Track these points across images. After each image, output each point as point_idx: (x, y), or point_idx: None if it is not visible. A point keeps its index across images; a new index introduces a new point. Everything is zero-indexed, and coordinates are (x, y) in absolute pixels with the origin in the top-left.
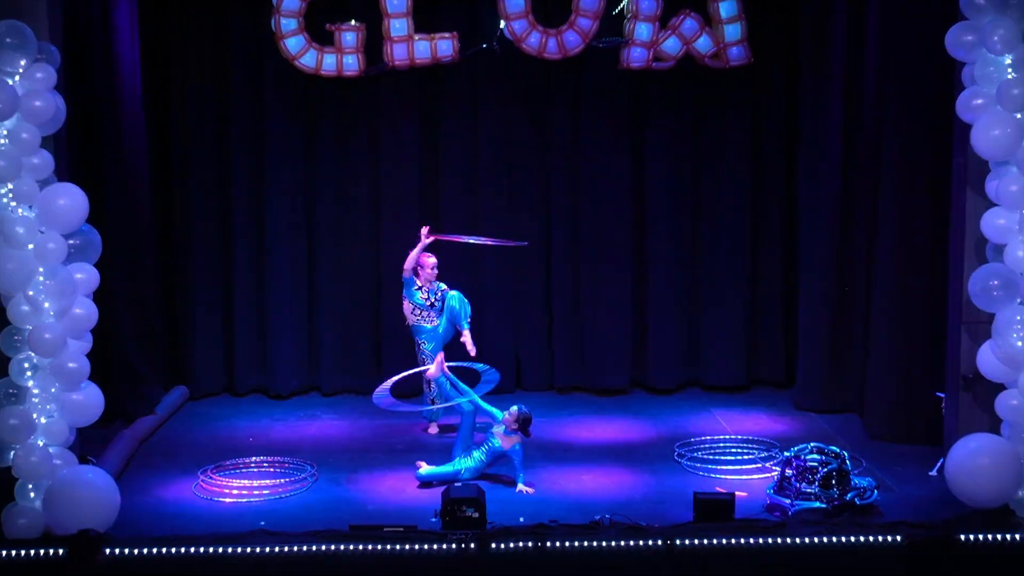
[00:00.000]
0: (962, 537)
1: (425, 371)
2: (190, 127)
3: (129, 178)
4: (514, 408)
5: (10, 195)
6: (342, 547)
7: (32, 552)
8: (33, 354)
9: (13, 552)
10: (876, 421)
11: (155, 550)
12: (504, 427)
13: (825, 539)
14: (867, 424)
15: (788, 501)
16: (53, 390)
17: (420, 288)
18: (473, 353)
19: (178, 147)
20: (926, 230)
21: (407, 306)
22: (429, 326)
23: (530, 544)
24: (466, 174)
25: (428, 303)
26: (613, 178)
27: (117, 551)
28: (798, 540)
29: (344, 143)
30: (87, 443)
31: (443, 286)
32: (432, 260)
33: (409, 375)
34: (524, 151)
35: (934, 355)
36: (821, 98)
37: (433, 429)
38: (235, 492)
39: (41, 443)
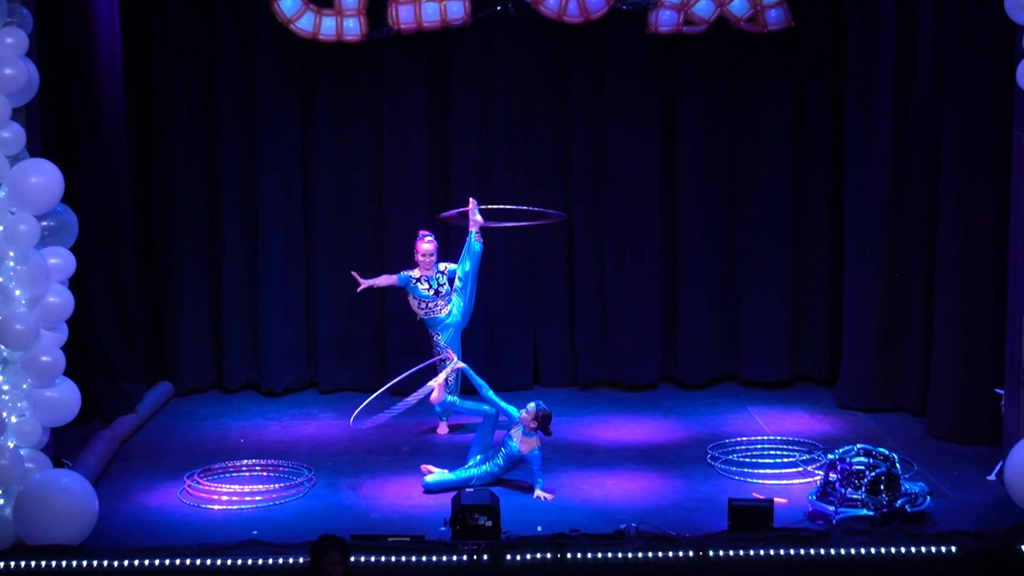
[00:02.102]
0: (1023, 548)
1: (437, 366)
2: (175, 97)
3: (108, 154)
4: (531, 405)
5: None
6: None
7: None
8: (3, 347)
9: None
10: (938, 420)
11: (137, 562)
12: (522, 428)
13: (873, 550)
14: (929, 424)
15: (832, 508)
16: (25, 386)
17: (419, 280)
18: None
19: (161, 119)
20: (991, 212)
21: (412, 302)
22: (442, 315)
23: (549, 556)
24: (479, 150)
25: (433, 292)
26: (641, 154)
27: (96, 563)
28: (843, 551)
29: (344, 115)
30: (62, 445)
31: (443, 267)
32: (428, 246)
33: (410, 374)
34: (543, 125)
35: (1001, 349)
36: (870, 66)
37: (443, 429)
38: (225, 498)
39: (11, 444)
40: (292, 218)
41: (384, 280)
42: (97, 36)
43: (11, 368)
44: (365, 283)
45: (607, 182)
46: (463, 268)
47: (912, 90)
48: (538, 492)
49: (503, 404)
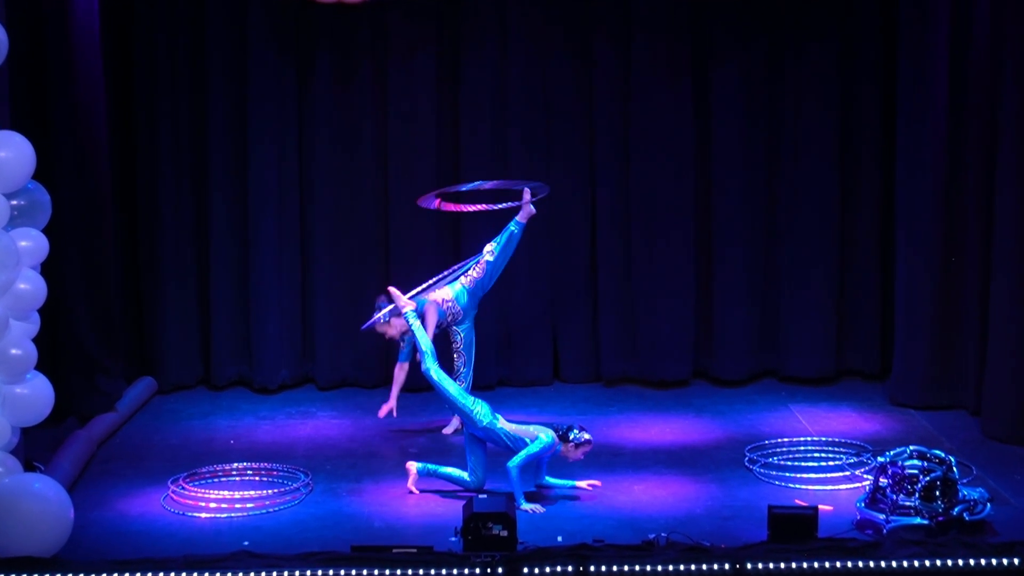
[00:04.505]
0: None
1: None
2: (158, 63)
3: (85, 126)
4: (585, 436)
5: None
6: (342, 572)
7: None
8: None
9: None
10: (994, 419)
11: (116, 575)
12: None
13: (927, 562)
14: (984, 423)
15: (882, 516)
16: None
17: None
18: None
19: (143, 87)
20: None
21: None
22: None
23: (570, 568)
24: (493, 122)
25: (450, 319)
26: (671, 127)
27: None
28: (894, 564)
29: (345, 84)
30: (33, 446)
31: (440, 298)
32: (393, 331)
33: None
34: (563, 95)
35: None
36: (924, 30)
37: (450, 429)
38: (213, 506)
39: None
40: (287, 197)
41: (399, 382)
42: None
43: None
44: (387, 407)
45: (634, 158)
46: (499, 246)
47: (969, 57)
48: (581, 483)
49: (526, 442)
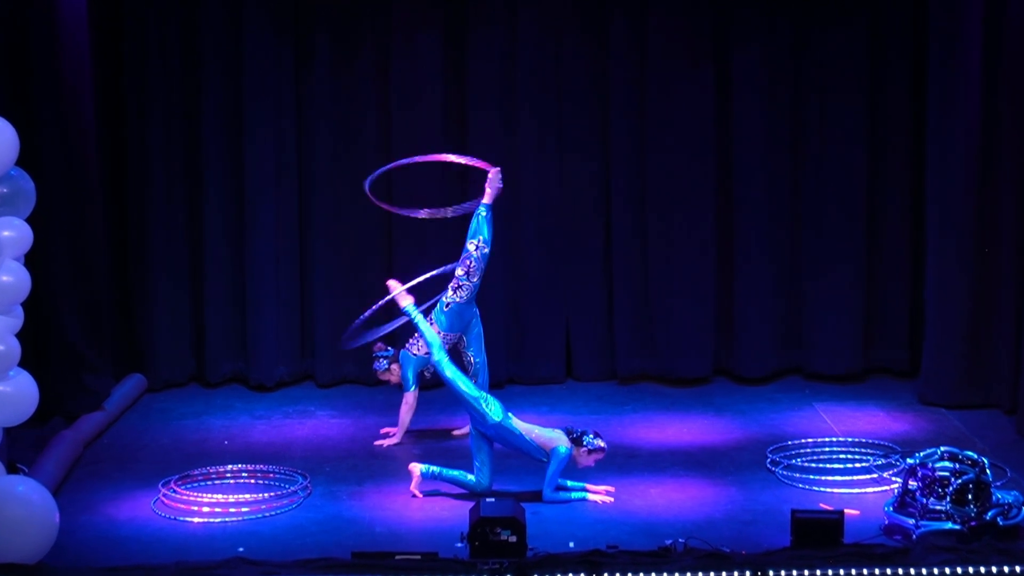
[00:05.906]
0: None
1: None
2: (149, 45)
3: (71, 110)
4: (599, 443)
5: None
6: None
7: None
8: None
9: None
10: None
11: None
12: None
13: (959, 569)
14: (1020, 423)
15: (912, 521)
16: None
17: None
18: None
19: (133, 71)
20: None
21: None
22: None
23: None
24: (501, 104)
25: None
26: (691, 111)
27: None
28: (924, 571)
29: (345, 68)
30: (17, 447)
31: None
32: (391, 376)
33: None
34: (576, 74)
35: None
36: (956, 7)
37: (461, 432)
38: (206, 510)
39: None
40: (285, 186)
41: (412, 410)
42: None
43: None
44: (391, 441)
45: (651, 145)
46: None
47: (1003, 37)
48: (593, 490)
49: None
